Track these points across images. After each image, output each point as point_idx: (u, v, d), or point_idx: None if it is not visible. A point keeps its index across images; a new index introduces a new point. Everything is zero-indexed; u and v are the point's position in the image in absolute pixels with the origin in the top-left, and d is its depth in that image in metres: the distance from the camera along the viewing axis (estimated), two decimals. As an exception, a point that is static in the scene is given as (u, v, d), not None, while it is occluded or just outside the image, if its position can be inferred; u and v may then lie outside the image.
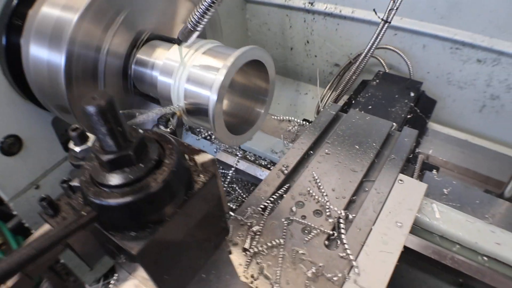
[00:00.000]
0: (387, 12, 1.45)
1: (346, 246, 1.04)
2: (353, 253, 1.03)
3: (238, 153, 1.53)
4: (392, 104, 1.59)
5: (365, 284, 0.97)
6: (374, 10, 1.50)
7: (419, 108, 1.65)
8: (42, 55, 1.10)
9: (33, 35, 1.12)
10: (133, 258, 0.63)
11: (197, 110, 1.03)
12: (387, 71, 1.86)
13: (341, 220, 1.11)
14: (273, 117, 1.61)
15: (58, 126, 1.43)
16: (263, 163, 1.50)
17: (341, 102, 1.78)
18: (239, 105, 1.20)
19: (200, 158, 0.77)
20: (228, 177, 1.54)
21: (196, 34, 0.94)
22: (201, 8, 0.87)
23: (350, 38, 1.96)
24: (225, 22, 2.12)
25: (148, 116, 1.01)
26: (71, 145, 0.79)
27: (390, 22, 1.45)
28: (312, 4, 1.94)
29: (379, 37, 1.51)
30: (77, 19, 1.04)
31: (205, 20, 0.89)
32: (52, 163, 1.45)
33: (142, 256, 0.64)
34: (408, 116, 1.60)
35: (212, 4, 0.86)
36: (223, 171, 1.59)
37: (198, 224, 0.76)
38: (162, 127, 0.98)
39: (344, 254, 1.03)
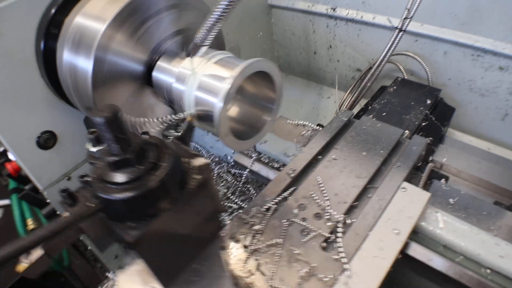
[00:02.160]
0: (401, 20, 1.46)
1: (340, 249, 1.09)
2: (346, 257, 1.07)
3: (253, 155, 1.60)
4: (407, 111, 1.60)
5: (355, 287, 1.02)
6: (388, 19, 1.52)
7: (437, 116, 1.64)
8: (74, 60, 1.22)
9: (66, 42, 1.24)
10: (130, 245, 0.73)
11: (206, 116, 1.11)
12: (405, 77, 1.85)
13: (339, 224, 1.16)
14: (288, 121, 1.67)
15: (90, 124, 1.56)
16: (275, 166, 1.56)
17: (358, 108, 1.81)
18: (249, 113, 1.27)
19: (196, 162, 0.86)
20: (243, 177, 1.62)
21: (204, 48, 1.02)
22: (207, 25, 0.95)
23: (372, 43, 1.97)
24: (250, 26, 2.19)
25: (163, 122, 1.10)
26: (89, 145, 0.90)
27: (405, 31, 1.47)
28: (334, 9, 1.97)
29: (394, 45, 1.53)
30: (105, 28, 1.14)
31: (212, 35, 0.97)
32: (83, 157, 1.59)
33: (138, 244, 0.75)
34: (423, 124, 1.60)
35: (217, 21, 0.94)
36: (239, 171, 1.67)
37: (191, 220, 0.85)
38: (172, 131, 1.07)
39: (338, 257, 1.08)
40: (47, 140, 1.46)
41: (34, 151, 1.43)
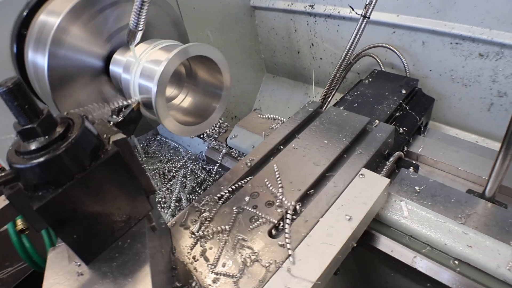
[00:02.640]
0: (365, 6, 1.43)
1: (286, 235, 1.05)
2: (292, 243, 1.03)
3: (223, 150, 1.59)
4: (379, 102, 1.55)
5: (298, 273, 0.97)
6: (350, 6, 1.49)
7: (413, 106, 1.58)
8: (34, 58, 1.25)
9: (30, 41, 1.29)
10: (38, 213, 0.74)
11: (149, 103, 1.12)
12: (383, 69, 1.80)
13: (289, 211, 1.12)
14: (260, 115, 1.65)
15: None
16: (245, 159, 1.54)
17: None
18: (200, 102, 1.27)
19: (115, 137, 0.86)
20: (214, 172, 1.61)
21: (139, 33, 1.04)
22: (135, 8, 0.96)
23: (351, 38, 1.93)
24: (235, 28, 2.21)
25: (106, 110, 1.11)
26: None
27: (369, 17, 1.43)
28: (312, 7, 1.96)
29: (360, 31, 1.49)
30: (59, 22, 1.17)
31: (142, 19, 0.98)
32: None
33: (42, 212, 0.76)
34: (398, 114, 1.54)
35: (143, 3, 0.95)
36: (210, 167, 1.67)
37: (108, 195, 0.84)
38: (114, 116, 1.08)
39: (283, 243, 1.04)
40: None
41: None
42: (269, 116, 1.62)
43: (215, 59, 1.13)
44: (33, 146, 0.75)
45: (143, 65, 1.11)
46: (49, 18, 1.24)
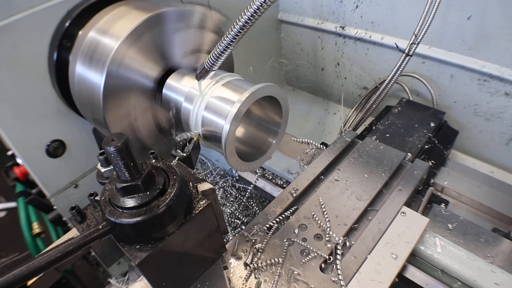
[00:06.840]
0: (408, 45, 1.49)
1: (339, 271, 1.12)
2: (344, 279, 1.10)
3: (258, 171, 1.63)
4: (410, 134, 1.62)
5: (352, 310, 1.04)
6: (395, 44, 1.54)
7: (440, 138, 1.66)
8: (86, 74, 1.25)
9: (80, 55, 1.28)
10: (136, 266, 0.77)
11: (212, 137, 1.14)
12: (410, 98, 1.87)
13: (339, 246, 1.18)
14: (293, 138, 1.69)
15: (98, 134, 1.60)
16: (279, 183, 1.59)
17: (362, 126, 1.83)
18: (254, 135, 1.30)
19: (202, 187, 0.89)
20: (248, 192, 1.65)
21: (212, 73, 1.06)
22: (216, 51, 0.98)
23: (379, 63, 1.99)
24: (260, 40, 2.22)
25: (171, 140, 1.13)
26: (98, 165, 0.93)
27: (411, 55, 1.49)
28: (343, 28, 2.00)
29: (400, 68, 1.55)
30: (118, 45, 1.18)
31: (220, 61, 1.00)
32: (90, 166, 1.63)
33: (143, 266, 0.78)
34: (426, 146, 1.61)
35: (227, 48, 0.97)
36: (244, 186, 1.70)
37: (195, 243, 0.88)
38: (179, 151, 1.10)
39: (336, 279, 1.10)
40: (56, 149, 1.49)
41: (43, 159, 1.46)
42: (303, 140, 1.67)
43: (281, 101, 1.16)
44: (133, 202, 0.76)
45: (208, 100, 1.13)
46: (103, 38, 1.25)
